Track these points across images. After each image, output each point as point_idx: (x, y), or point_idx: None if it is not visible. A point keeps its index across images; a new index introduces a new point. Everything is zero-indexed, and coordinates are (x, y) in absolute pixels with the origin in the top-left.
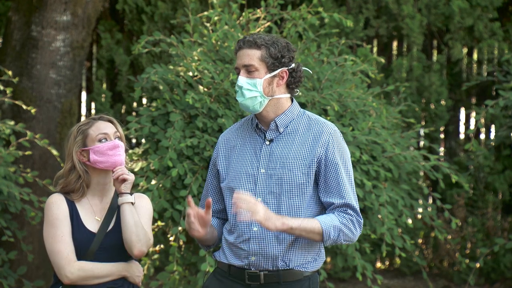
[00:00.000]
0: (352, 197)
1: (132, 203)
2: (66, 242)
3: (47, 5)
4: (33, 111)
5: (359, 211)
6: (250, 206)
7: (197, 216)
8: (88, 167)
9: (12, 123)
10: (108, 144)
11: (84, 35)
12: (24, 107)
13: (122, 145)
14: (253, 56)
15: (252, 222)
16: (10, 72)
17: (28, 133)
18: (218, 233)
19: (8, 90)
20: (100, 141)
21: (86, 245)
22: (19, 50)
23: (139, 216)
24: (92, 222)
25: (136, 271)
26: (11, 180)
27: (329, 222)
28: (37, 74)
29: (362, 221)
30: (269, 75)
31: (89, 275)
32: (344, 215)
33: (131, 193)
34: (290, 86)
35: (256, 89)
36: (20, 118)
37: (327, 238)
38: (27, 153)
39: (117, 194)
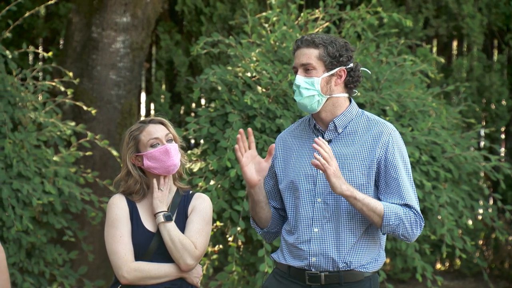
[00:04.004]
0: (413, 199)
1: (164, 221)
2: (124, 243)
3: (107, 6)
4: (93, 112)
5: (420, 213)
6: (326, 156)
7: (254, 159)
8: (144, 170)
9: (73, 124)
10: (160, 149)
11: (144, 37)
12: (85, 108)
13: (174, 147)
14: (310, 55)
15: (312, 223)
16: (71, 73)
17: (89, 133)
18: (273, 217)
19: (69, 91)
20: (152, 146)
21: (145, 244)
22: (79, 52)
23: (192, 218)
24: (152, 222)
25: (194, 272)
26: (72, 180)
27: (392, 208)
28: (97, 75)
29: (423, 224)
30: (326, 74)
31: (146, 276)
32: (409, 210)
33: (191, 193)
34: (348, 86)
35: (313, 87)
36: (80, 119)
37: (387, 223)
38: (87, 153)
39: (179, 192)
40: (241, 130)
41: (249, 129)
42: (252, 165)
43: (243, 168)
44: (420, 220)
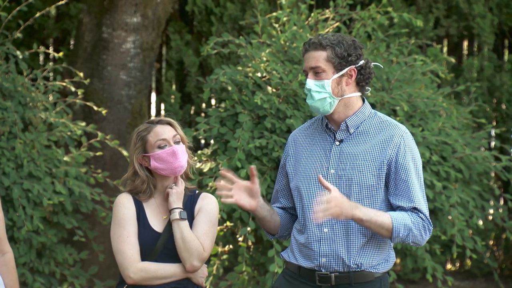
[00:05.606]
0: (422, 202)
1: (178, 219)
2: (131, 243)
3: (117, 7)
4: (104, 112)
5: (429, 217)
6: (324, 207)
7: (243, 188)
8: (151, 171)
9: (83, 124)
10: (167, 150)
11: (154, 37)
12: (95, 108)
13: (182, 149)
14: (319, 57)
15: (322, 223)
16: (81, 74)
17: (99, 134)
18: (282, 222)
19: (80, 92)
20: (159, 147)
21: (151, 244)
22: (90, 52)
23: (199, 219)
24: (158, 222)
25: (200, 272)
26: (83, 180)
27: (400, 219)
28: (107, 75)
29: (432, 228)
30: (336, 75)
31: (152, 276)
32: (417, 216)
33: (197, 193)
34: (360, 84)
35: (324, 90)
36: (91, 119)
37: (396, 235)
38: (98, 153)
39: (186, 193)
40: (217, 184)
41: (221, 172)
42: (244, 194)
43: (239, 203)
44: (428, 224)
